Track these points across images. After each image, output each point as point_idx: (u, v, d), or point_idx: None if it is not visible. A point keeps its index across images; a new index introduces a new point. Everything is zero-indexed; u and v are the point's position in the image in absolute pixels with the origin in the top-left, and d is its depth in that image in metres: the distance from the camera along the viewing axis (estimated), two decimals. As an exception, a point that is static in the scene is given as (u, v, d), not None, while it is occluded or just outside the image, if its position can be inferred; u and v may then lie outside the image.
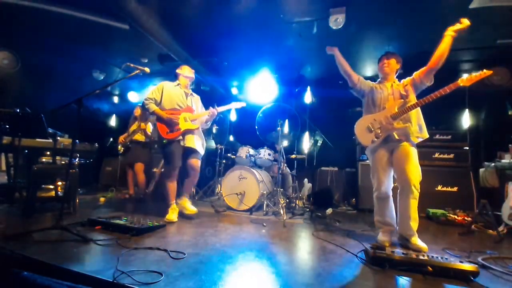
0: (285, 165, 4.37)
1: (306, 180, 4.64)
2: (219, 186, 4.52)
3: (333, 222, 3.06)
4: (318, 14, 3.26)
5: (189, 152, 2.82)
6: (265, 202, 3.46)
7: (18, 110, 2.64)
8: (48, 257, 1.52)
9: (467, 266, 1.52)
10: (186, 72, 2.93)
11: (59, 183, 3.00)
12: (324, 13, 3.19)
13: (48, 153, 3.01)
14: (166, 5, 3.28)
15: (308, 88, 5.04)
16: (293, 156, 4.39)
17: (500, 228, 2.72)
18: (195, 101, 3.03)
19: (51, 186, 3.02)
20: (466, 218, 3.19)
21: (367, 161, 3.92)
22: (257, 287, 1.35)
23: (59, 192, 2.97)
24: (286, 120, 4.72)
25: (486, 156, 3.84)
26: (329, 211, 3.66)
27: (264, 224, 2.80)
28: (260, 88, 4.93)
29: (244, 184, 3.54)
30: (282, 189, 3.63)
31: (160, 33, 3.63)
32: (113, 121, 6.68)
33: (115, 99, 6.63)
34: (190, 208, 2.79)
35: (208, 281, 1.35)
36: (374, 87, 2.40)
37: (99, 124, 6.42)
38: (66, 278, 1.32)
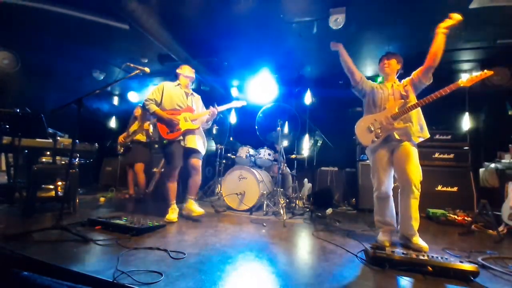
0: (285, 165, 4.37)
1: (306, 180, 4.64)
2: (219, 186, 4.52)
3: (333, 222, 3.06)
4: (318, 14, 3.26)
5: (190, 152, 2.82)
6: (265, 202, 3.46)
7: (18, 110, 2.64)
8: (48, 257, 1.52)
9: (467, 266, 1.52)
10: (186, 72, 2.92)
11: (59, 183, 3.00)
12: (324, 13, 3.19)
13: (48, 153, 3.01)
14: (166, 5, 3.28)
15: (308, 90, 5.04)
16: (293, 156, 4.39)
17: (500, 228, 2.72)
18: (196, 101, 3.02)
19: (51, 186, 3.02)
20: (466, 218, 3.19)
21: (367, 161, 3.92)
22: (257, 287, 1.35)
23: (59, 192, 2.97)
24: (286, 120, 4.72)
25: (486, 156, 3.84)
26: (329, 211, 3.66)
27: (264, 224, 2.80)
28: (260, 88, 4.93)
29: (244, 184, 3.54)
30: (282, 189, 3.63)
31: (160, 33, 3.63)
32: (113, 121, 6.69)
33: (115, 99, 6.63)
34: (196, 210, 2.74)
35: (208, 281, 1.35)
36: (375, 87, 2.40)
37: (99, 124, 6.42)
38: (66, 278, 1.32)
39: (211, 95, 5.44)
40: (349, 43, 3.90)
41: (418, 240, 2.09)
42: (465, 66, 4.35)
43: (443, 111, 3.92)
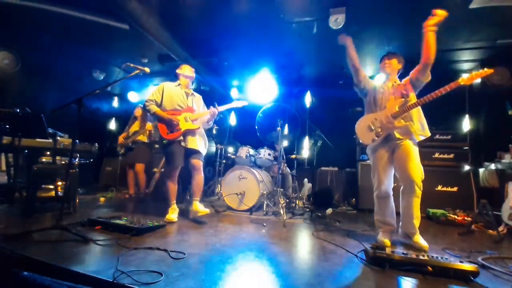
0: (285, 165, 4.37)
1: (306, 180, 4.64)
2: (219, 186, 4.53)
3: (333, 222, 3.06)
4: (318, 14, 3.26)
5: (191, 152, 2.81)
6: (265, 202, 3.46)
7: (18, 110, 2.64)
8: (48, 257, 1.52)
9: (467, 266, 1.52)
10: (186, 72, 2.91)
11: (59, 183, 3.00)
12: (324, 13, 3.19)
13: (48, 153, 3.01)
14: (166, 5, 3.28)
15: (308, 92, 5.05)
16: (293, 156, 4.39)
17: (500, 228, 2.72)
18: (197, 100, 3.01)
19: (51, 186, 3.02)
20: (466, 218, 3.19)
21: (367, 161, 3.94)
22: (257, 287, 1.35)
23: (59, 192, 2.97)
24: (286, 120, 4.72)
25: (486, 156, 3.84)
26: (329, 211, 3.65)
27: (264, 224, 2.80)
28: (260, 88, 4.93)
29: (244, 184, 3.54)
30: (282, 189, 3.63)
31: (160, 33, 3.63)
32: (113, 121, 6.68)
33: (115, 99, 6.63)
34: (201, 209, 2.71)
35: (208, 281, 1.35)
36: (376, 86, 2.41)
37: (99, 124, 6.42)
38: (66, 278, 1.32)
39: (211, 95, 5.44)
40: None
41: (419, 239, 2.11)
42: (465, 66, 4.36)
43: (443, 111, 3.91)
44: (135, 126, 4.40)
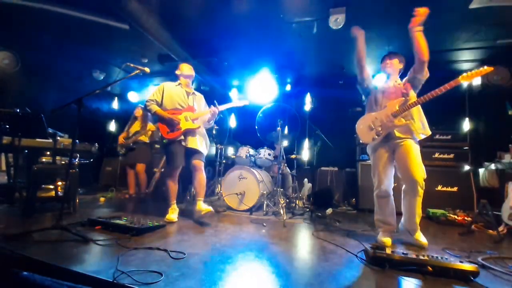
0: (285, 165, 4.37)
1: (306, 180, 4.64)
2: (219, 186, 4.52)
3: (333, 222, 3.06)
4: (318, 14, 3.27)
5: (192, 153, 2.80)
6: (265, 202, 3.46)
7: (18, 110, 2.64)
8: (48, 257, 1.52)
9: (467, 266, 1.52)
10: (185, 71, 2.89)
11: (59, 183, 3.00)
12: (324, 13, 3.19)
13: (48, 153, 3.01)
14: (166, 5, 3.28)
15: (308, 94, 5.05)
16: (293, 156, 4.39)
17: (500, 228, 2.72)
18: (198, 100, 2.99)
19: (51, 186, 3.02)
20: (466, 218, 3.19)
21: (367, 161, 3.94)
22: (257, 287, 1.35)
23: (59, 192, 2.97)
24: (286, 120, 4.72)
25: (486, 156, 3.85)
26: (329, 211, 3.65)
27: (264, 224, 2.80)
28: (260, 88, 4.93)
29: (244, 184, 3.54)
30: (282, 189, 3.63)
31: (160, 33, 3.64)
32: (113, 121, 6.68)
33: (115, 100, 6.63)
34: (204, 208, 2.67)
35: (208, 281, 1.35)
36: (377, 86, 2.43)
37: (99, 124, 6.42)
38: (66, 278, 1.32)
39: (211, 95, 5.45)
40: (349, 43, 3.93)
41: (420, 236, 2.17)
42: (465, 66, 4.35)
43: (443, 111, 3.91)
44: (135, 126, 4.40)
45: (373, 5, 3.05)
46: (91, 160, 3.31)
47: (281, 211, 3.09)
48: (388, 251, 1.70)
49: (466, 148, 3.88)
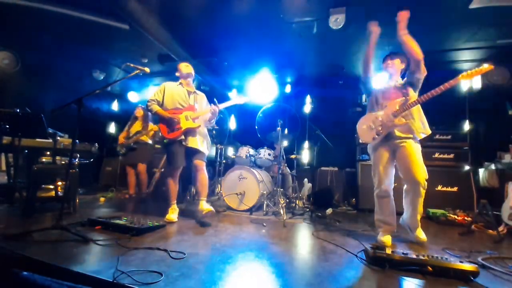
0: (285, 165, 4.37)
1: (306, 180, 4.64)
2: (219, 186, 4.52)
3: (333, 222, 3.06)
4: (318, 14, 3.26)
5: (193, 153, 2.79)
6: (265, 202, 3.46)
7: (18, 110, 2.64)
8: (48, 257, 1.52)
9: (467, 266, 1.52)
10: (184, 70, 2.87)
11: (59, 183, 3.00)
12: (324, 13, 3.19)
13: (48, 153, 3.01)
14: (166, 5, 3.28)
15: (308, 96, 5.05)
16: (293, 156, 4.39)
17: (500, 228, 2.72)
18: (200, 99, 2.97)
19: (51, 186, 3.02)
20: (466, 218, 3.19)
21: (367, 161, 3.94)
22: (257, 287, 1.35)
23: (59, 192, 2.97)
24: (286, 120, 4.73)
25: (486, 156, 3.85)
26: (329, 211, 3.65)
27: (264, 224, 2.79)
28: (260, 88, 4.93)
29: (244, 184, 3.54)
30: (282, 189, 3.63)
31: (160, 33, 3.63)
32: (112, 121, 6.67)
33: (115, 100, 6.63)
34: (205, 207, 2.66)
35: (208, 281, 1.35)
36: (379, 86, 2.44)
37: (99, 124, 6.42)
38: (66, 278, 1.32)
39: (211, 95, 5.45)
40: (349, 43, 3.95)
41: (421, 233, 2.22)
42: (465, 66, 4.35)
43: (443, 111, 3.91)
44: (136, 126, 4.40)
45: (373, 5, 3.05)
46: (91, 160, 3.31)
47: (281, 211, 3.09)
48: (388, 251, 1.70)
49: (466, 148, 3.88)
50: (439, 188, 3.78)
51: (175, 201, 2.83)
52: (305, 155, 5.26)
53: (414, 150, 2.18)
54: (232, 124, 5.75)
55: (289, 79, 5.35)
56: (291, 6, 3.15)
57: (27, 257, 1.50)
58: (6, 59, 4.21)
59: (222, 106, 2.92)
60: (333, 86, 5.15)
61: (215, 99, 2.91)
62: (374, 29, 2.32)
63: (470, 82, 4.18)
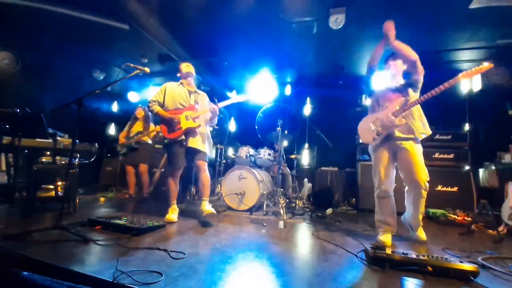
0: (285, 165, 4.37)
1: (306, 180, 4.64)
2: (219, 186, 4.52)
3: (333, 222, 3.06)
4: (318, 14, 3.26)
5: (194, 153, 2.79)
6: (265, 202, 3.46)
7: (18, 110, 2.64)
8: (48, 257, 1.51)
9: (467, 266, 1.52)
10: (184, 70, 2.87)
11: (59, 183, 3.00)
12: (324, 13, 3.19)
13: (48, 153, 3.01)
14: (166, 5, 3.28)
15: (308, 92, 5.05)
16: (293, 156, 4.39)
17: (500, 228, 2.72)
18: (201, 98, 2.96)
19: (51, 186, 3.01)
20: (466, 218, 3.19)
21: (368, 161, 3.94)
22: (257, 287, 1.35)
23: (59, 192, 2.97)
24: (286, 120, 4.72)
25: (486, 156, 3.84)
26: (329, 211, 3.65)
27: (264, 224, 2.79)
28: (260, 88, 4.93)
29: (244, 184, 3.54)
30: (282, 189, 3.63)
31: (160, 33, 3.63)
32: (112, 121, 6.67)
33: (115, 99, 6.62)
34: (207, 209, 2.67)
35: (208, 281, 1.35)
36: (380, 87, 2.44)
37: (99, 124, 6.42)
38: (66, 278, 1.32)
39: (211, 95, 5.45)
40: (349, 43, 3.95)
41: (422, 232, 2.25)
42: (465, 66, 4.35)
43: (443, 111, 3.91)
44: (137, 127, 4.41)
45: (373, 5, 3.05)
46: (91, 160, 3.31)
47: (281, 211, 3.09)
48: (388, 251, 1.70)
49: (466, 148, 3.88)
50: (439, 188, 3.78)
51: (175, 201, 2.83)
52: (305, 155, 5.26)
53: (416, 152, 2.19)
54: (232, 126, 5.75)
55: (289, 79, 5.35)
56: (291, 6, 3.15)
57: (27, 257, 1.50)
58: (6, 59, 4.21)
59: (222, 104, 2.92)
60: (333, 86, 5.15)
61: (215, 98, 2.91)
62: (391, 33, 2.23)
63: (470, 82, 4.18)
